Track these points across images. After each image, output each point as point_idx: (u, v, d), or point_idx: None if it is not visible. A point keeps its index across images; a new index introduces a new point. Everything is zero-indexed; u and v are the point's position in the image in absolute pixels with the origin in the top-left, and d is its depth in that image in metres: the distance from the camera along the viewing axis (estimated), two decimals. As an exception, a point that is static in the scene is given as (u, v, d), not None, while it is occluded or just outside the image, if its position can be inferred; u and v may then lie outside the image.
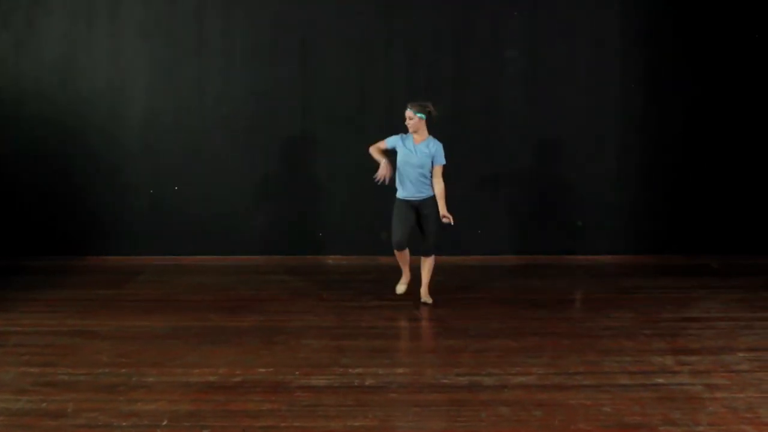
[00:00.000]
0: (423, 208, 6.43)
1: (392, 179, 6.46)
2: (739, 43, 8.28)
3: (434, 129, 6.66)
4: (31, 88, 8.21)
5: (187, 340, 5.61)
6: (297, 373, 4.92)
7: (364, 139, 7.99)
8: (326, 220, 8.36)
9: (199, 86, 8.26)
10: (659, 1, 8.29)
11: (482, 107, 8.31)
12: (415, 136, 6.44)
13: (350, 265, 8.19)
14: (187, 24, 8.21)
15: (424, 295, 6.64)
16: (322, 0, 8.22)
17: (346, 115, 8.29)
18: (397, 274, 6.79)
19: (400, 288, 6.73)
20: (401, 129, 6.53)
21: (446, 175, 6.50)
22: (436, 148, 6.41)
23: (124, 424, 4.16)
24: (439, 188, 6.38)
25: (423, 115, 6.38)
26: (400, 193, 6.47)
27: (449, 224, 6.34)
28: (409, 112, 6.39)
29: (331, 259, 8.37)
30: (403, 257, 6.59)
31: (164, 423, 4.17)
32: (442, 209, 6.32)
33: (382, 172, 6.44)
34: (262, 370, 4.98)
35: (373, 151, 6.52)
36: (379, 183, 6.47)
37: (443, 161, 6.42)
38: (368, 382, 4.77)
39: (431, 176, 6.42)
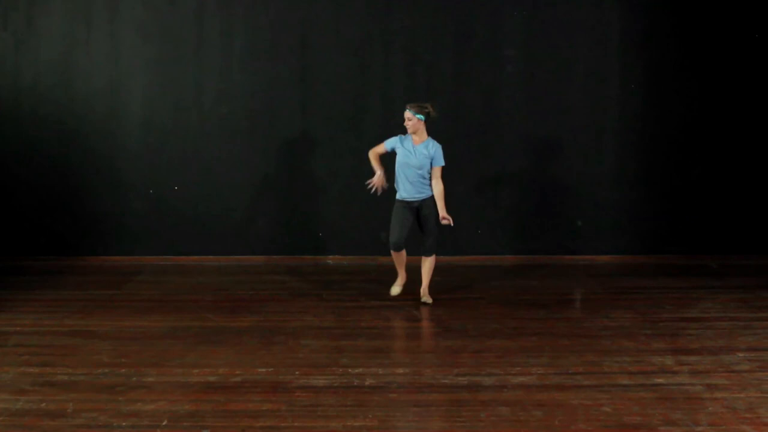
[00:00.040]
0: (423, 209, 6.44)
1: (385, 189, 6.49)
2: (739, 43, 8.28)
3: (434, 129, 6.67)
4: (30, 87, 8.21)
5: (186, 340, 5.61)
6: (297, 373, 4.92)
7: (363, 138, 8.05)
8: (326, 220, 8.36)
9: (198, 86, 8.26)
10: (659, 1, 8.29)
11: (482, 107, 8.30)
12: (414, 137, 6.44)
13: (350, 265, 8.18)
14: (187, 24, 8.21)
15: (424, 295, 6.64)
16: (320, 0, 8.22)
17: (346, 114, 8.28)
18: (394, 276, 6.79)
19: (395, 290, 6.73)
20: (401, 128, 6.53)
21: (446, 175, 6.51)
22: (435, 149, 6.41)
23: (123, 424, 4.16)
24: (438, 189, 6.39)
25: (422, 116, 6.38)
26: (400, 194, 6.48)
27: (449, 225, 6.35)
28: (408, 113, 6.39)
29: (331, 259, 8.37)
30: (400, 258, 6.59)
31: (164, 423, 4.17)
32: (442, 211, 6.33)
33: (377, 182, 6.46)
34: (262, 370, 4.98)
35: (372, 157, 6.52)
36: (371, 192, 6.49)
37: (442, 162, 6.42)
38: (368, 382, 4.77)
39: (430, 177, 6.43)
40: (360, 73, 8.27)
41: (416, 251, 6.67)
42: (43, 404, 4.40)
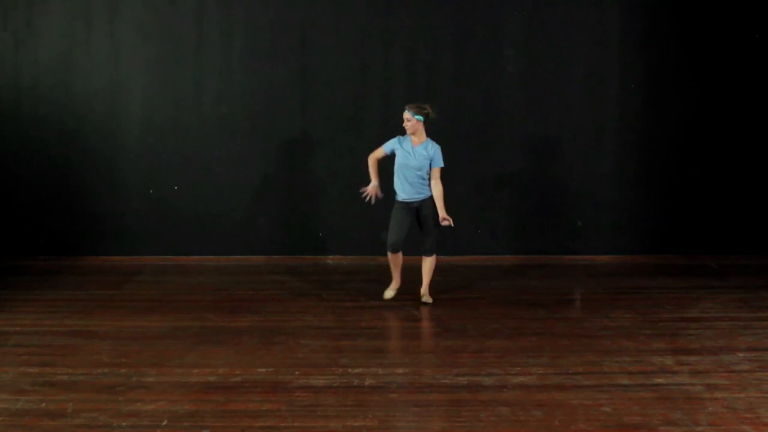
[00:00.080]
0: (422, 209, 6.44)
1: (380, 198, 6.50)
2: (739, 43, 8.28)
3: (434, 129, 6.67)
4: (30, 87, 8.21)
5: (186, 340, 5.61)
6: (296, 373, 4.92)
7: (363, 138, 8.05)
8: (326, 220, 8.35)
9: (198, 86, 8.26)
10: (659, 1, 8.29)
11: (482, 107, 8.30)
12: (413, 138, 6.43)
13: (350, 265, 8.18)
14: (187, 24, 8.20)
15: (425, 295, 6.64)
16: (320, 0, 8.22)
17: (346, 114, 8.28)
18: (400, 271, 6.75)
19: (388, 293, 6.69)
20: (400, 128, 6.53)
21: (445, 175, 6.51)
22: (434, 150, 6.41)
23: (123, 424, 4.15)
24: (437, 190, 6.38)
25: (421, 117, 6.38)
26: (400, 195, 6.47)
27: (449, 226, 6.35)
28: (407, 114, 6.39)
29: (331, 259, 8.37)
30: (396, 261, 6.57)
31: (164, 423, 4.16)
32: (442, 212, 6.33)
33: (371, 191, 6.47)
34: (262, 370, 4.98)
35: (371, 165, 6.51)
36: (365, 200, 6.49)
37: (441, 164, 6.42)
38: (368, 382, 4.77)
39: (429, 178, 6.42)
40: (360, 73, 8.27)
41: (416, 251, 6.67)
42: (43, 404, 4.40)
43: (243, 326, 5.97)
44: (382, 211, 6.83)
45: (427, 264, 6.61)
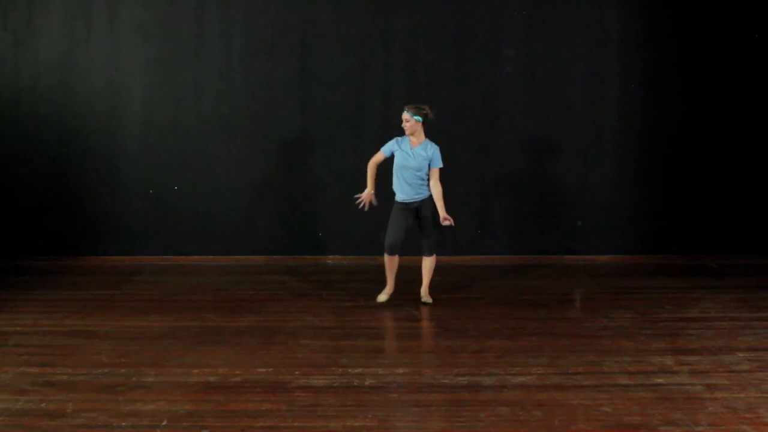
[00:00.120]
0: (421, 210, 6.43)
1: (374, 206, 6.49)
2: (739, 43, 8.28)
3: (434, 129, 6.67)
4: (29, 87, 8.21)
5: (186, 340, 5.61)
6: (296, 373, 4.92)
7: (363, 138, 8.06)
8: (326, 220, 8.35)
9: (198, 86, 8.26)
10: (659, 1, 8.29)
11: (482, 107, 8.30)
12: (412, 138, 6.43)
13: (350, 265, 8.18)
14: (187, 24, 8.20)
15: (425, 295, 6.64)
16: (320, 0, 8.22)
17: (346, 114, 8.28)
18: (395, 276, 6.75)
19: (382, 297, 6.62)
20: (400, 129, 6.52)
21: (445, 175, 6.50)
22: (433, 151, 6.40)
23: (123, 424, 4.15)
24: (437, 191, 6.38)
25: (420, 118, 6.37)
26: (399, 196, 6.46)
27: (450, 226, 6.35)
28: (405, 115, 6.39)
29: (330, 259, 8.37)
30: (392, 264, 6.54)
31: (164, 423, 4.16)
32: (442, 212, 6.32)
33: (365, 198, 6.46)
34: (262, 370, 4.98)
35: (370, 171, 6.47)
36: (359, 207, 6.48)
37: (440, 164, 6.42)
38: (368, 382, 4.77)
39: (428, 178, 6.41)
40: (360, 73, 8.27)
41: (417, 251, 6.67)
42: (43, 404, 4.40)
43: (243, 326, 5.97)
44: (382, 212, 6.82)
45: (427, 264, 6.61)
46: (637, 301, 6.68)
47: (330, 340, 5.62)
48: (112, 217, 8.31)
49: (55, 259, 8.20)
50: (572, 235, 8.42)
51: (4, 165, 8.24)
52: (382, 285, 6.81)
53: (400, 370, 4.98)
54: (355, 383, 4.75)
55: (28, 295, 6.85)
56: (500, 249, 8.41)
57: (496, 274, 7.78)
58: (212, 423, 4.17)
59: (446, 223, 6.31)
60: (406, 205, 6.44)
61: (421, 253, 6.60)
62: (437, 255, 6.66)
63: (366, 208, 6.52)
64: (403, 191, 6.43)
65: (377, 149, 6.51)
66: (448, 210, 6.37)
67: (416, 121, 6.36)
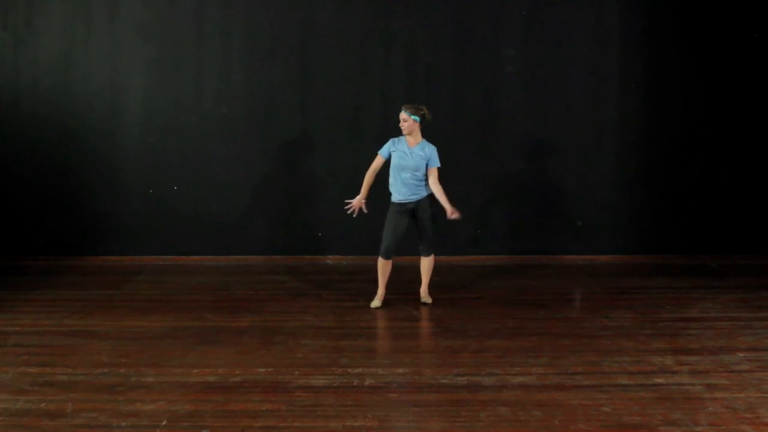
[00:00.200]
0: (417, 210, 6.40)
1: (365, 213, 6.47)
2: (739, 43, 8.28)
3: (434, 129, 6.67)
4: (29, 87, 8.21)
5: (185, 340, 5.61)
6: (296, 373, 4.92)
7: (363, 138, 8.06)
8: (326, 220, 8.35)
9: (198, 86, 8.26)
10: (659, 1, 8.29)
11: (482, 107, 8.30)
12: (409, 138, 6.42)
13: (350, 265, 8.18)
14: (187, 24, 8.20)
15: (424, 295, 6.64)
16: (320, 0, 8.22)
17: (346, 114, 8.28)
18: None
19: (375, 303, 6.56)
20: (400, 129, 6.51)
21: (445, 175, 6.50)
22: (430, 151, 6.39)
23: (123, 424, 4.15)
24: (437, 189, 6.35)
25: (418, 118, 6.36)
26: (395, 197, 6.44)
27: (457, 220, 6.28)
28: (403, 114, 6.38)
29: (330, 259, 8.37)
30: (386, 270, 6.51)
31: (163, 423, 4.16)
32: (448, 207, 6.27)
33: (355, 205, 6.45)
34: (262, 370, 4.98)
35: (368, 179, 6.44)
36: (348, 212, 6.48)
37: (438, 164, 6.41)
38: (367, 382, 4.77)
39: (425, 178, 6.40)
40: (360, 73, 8.27)
41: (416, 251, 6.66)
42: (43, 404, 4.40)
43: (243, 326, 5.97)
44: (382, 212, 6.82)
45: (426, 264, 6.60)
46: (637, 301, 6.69)
47: (330, 340, 5.62)
48: (112, 217, 8.31)
49: (55, 259, 8.20)
50: (572, 235, 8.41)
51: (4, 165, 8.24)
52: (382, 285, 6.82)
53: (400, 370, 4.98)
54: (354, 383, 4.75)
55: (28, 295, 6.85)
56: (500, 249, 8.41)
57: (496, 274, 7.78)
58: (212, 423, 4.17)
59: (454, 216, 6.26)
60: (401, 206, 6.41)
61: (419, 254, 6.59)
62: (437, 255, 6.65)
63: (355, 215, 6.51)
64: (399, 192, 6.41)
65: (377, 149, 6.50)
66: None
67: (414, 121, 6.35)
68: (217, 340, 5.60)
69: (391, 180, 6.45)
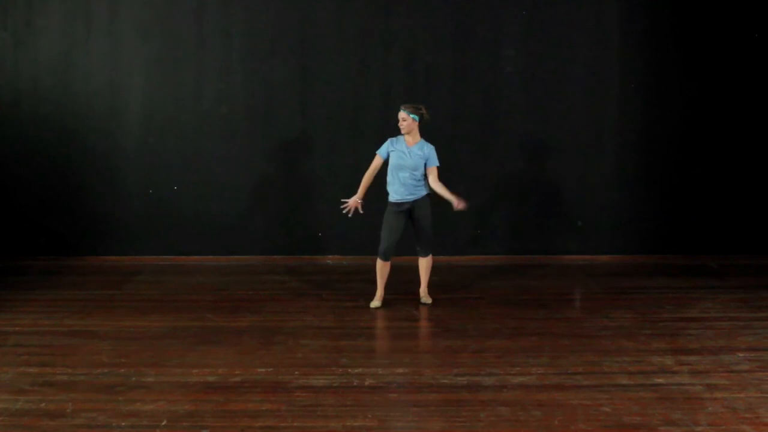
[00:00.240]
0: (414, 210, 6.39)
1: (360, 213, 6.47)
2: (739, 43, 8.28)
3: (434, 129, 6.66)
4: (29, 87, 8.21)
5: (185, 340, 5.61)
6: (296, 373, 4.92)
7: (363, 138, 8.06)
8: (326, 220, 8.35)
9: (198, 86, 8.26)
10: (659, 1, 8.29)
11: (482, 107, 8.30)
12: (408, 138, 6.41)
13: (350, 265, 8.18)
14: (187, 24, 8.20)
15: (424, 295, 6.64)
16: (320, 0, 8.22)
17: (346, 114, 8.28)
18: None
19: (375, 303, 6.55)
20: (399, 129, 6.51)
21: (446, 175, 6.50)
22: (429, 150, 6.39)
23: (123, 424, 4.15)
24: (438, 186, 6.33)
25: (417, 117, 6.36)
26: (393, 196, 6.43)
27: (464, 209, 6.25)
28: (402, 114, 6.38)
29: (330, 259, 8.37)
30: (384, 270, 6.50)
31: (163, 423, 4.16)
32: (453, 198, 6.22)
33: (351, 205, 6.45)
34: (262, 370, 4.98)
35: (366, 180, 6.44)
36: (344, 212, 6.48)
37: (437, 163, 6.41)
38: (367, 382, 4.77)
39: (423, 178, 6.39)
40: (360, 73, 8.27)
41: (415, 251, 6.66)
42: (43, 404, 4.40)
43: (243, 326, 5.97)
44: (382, 212, 6.81)
45: (424, 264, 6.60)
46: (637, 301, 6.68)
47: (330, 340, 5.62)
48: (112, 217, 8.31)
49: (55, 259, 8.20)
50: (572, 235, 8.41)
51: (4, 165, 8.24)
52: (382, 285, 6.82)
53: (400, 370, 4.98)
54: (354, 383, 4.75)
55: (28, 295, 6.85)
56: (500, 249, 8.41)
57: (496, 274, 7.78)
58: (212, 423, 4.17)
59: (461, 206, 6.23)
60: (398, 206, 6.40)
61: (418, 254, 6.58)
62: (437, 255, 6.65)
63: (350, 215, 6.51)
64: (396, 191, 6.39)
65: (377, 149, 6.50)
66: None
67: (413, 120, 6.35)
68: (217, 340, 5.60)
69: (389, 179, 6.44)
